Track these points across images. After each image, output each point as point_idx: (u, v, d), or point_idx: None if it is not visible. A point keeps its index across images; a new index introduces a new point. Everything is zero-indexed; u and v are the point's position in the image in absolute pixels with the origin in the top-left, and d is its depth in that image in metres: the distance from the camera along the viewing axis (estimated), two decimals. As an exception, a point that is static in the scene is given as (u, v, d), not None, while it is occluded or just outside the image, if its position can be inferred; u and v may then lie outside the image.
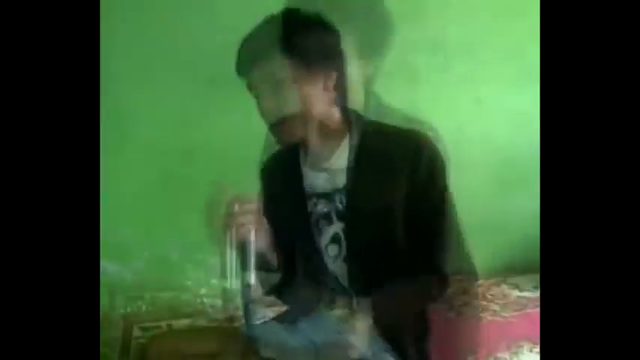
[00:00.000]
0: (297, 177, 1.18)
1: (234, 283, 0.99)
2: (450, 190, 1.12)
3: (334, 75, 1.09)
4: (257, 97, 1.10)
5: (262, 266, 1.11)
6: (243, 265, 1.00)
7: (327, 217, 1.14)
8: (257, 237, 1.01)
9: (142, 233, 2.08)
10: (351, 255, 1.12)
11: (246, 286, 1.00)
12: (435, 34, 2.25)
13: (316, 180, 1.16)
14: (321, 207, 1.15)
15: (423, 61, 2.25)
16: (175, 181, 2.07)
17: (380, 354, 1.14)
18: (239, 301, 1.07)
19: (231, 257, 0.99)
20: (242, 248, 1.00)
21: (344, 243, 1.13)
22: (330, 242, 1.15)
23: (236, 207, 1.00)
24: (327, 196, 1.14)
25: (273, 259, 1.12)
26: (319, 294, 1.20)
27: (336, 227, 1.13)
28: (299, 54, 1.04)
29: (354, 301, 1.14)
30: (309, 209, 1.16)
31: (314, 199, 1.16)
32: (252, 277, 1.00)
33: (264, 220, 1.06)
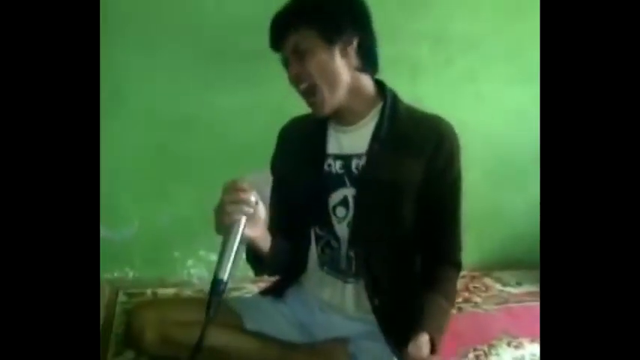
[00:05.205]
0: (321, 135, 1.20)
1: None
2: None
3: (354, 41, 1.10)
4: (287, 66, 1.12)
5: (248, 256, 1.11)
6: (220, 258, 0.94)
7: (340, 179, 1.16)
8: (248, 226, 0.97)
9: (133, 201, 2.08)
10: (357, 221, 1.14)
11: (217, 280, 0.92)
12: (438, 27, 2.24)
13: (338, 141, 1.18)
14: (336, 168, 1.17)
15: (425, 54, 2.25)
16: (170, 151, 2.06)
17: (370, 337, 1.15)
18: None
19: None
20: (226, 238, 0.95)
21: (352, 208, 1.14)
22: (339, 204, 1.16)
23: (227, 196, 0.96)
24: (344, 158, 1.16)
25: (266, 246, 1.10)
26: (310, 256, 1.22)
27: (347, 191, 1.15)
28: (320, 21, 1.07)
29: (353, 264, 1.17)
30: (325, 168, 1.17)
31: (330, 160, 1.17)
32: (226, 273, 0.92)
33: (260, 208, 1.01)
